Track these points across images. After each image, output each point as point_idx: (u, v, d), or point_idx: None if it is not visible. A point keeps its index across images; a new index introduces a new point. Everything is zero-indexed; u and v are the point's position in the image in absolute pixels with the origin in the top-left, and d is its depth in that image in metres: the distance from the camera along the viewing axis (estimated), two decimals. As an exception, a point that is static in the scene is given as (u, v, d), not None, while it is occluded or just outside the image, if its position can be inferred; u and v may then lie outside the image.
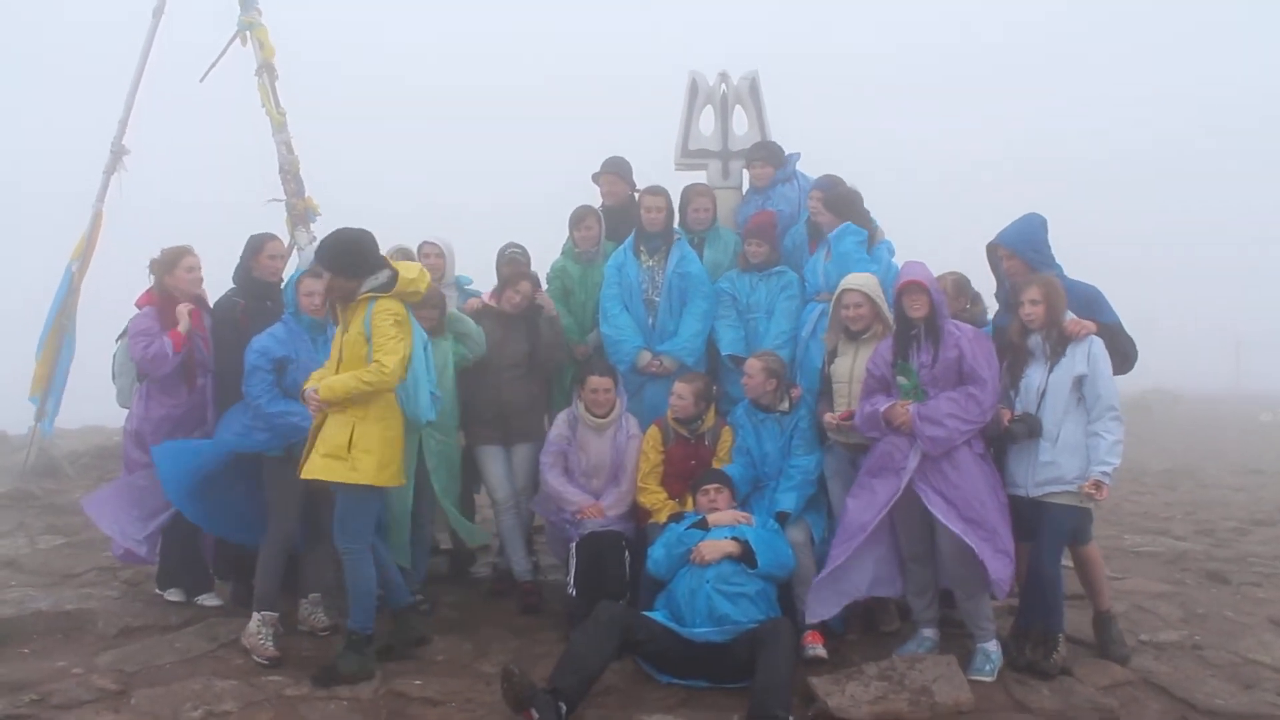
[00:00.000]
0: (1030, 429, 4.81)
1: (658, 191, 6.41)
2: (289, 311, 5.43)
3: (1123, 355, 5.04)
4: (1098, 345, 4.80)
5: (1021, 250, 5.20)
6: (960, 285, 5.62)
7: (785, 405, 5.64)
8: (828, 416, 5.33)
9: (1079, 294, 5.09)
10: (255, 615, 5.13)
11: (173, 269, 5.67)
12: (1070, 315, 4.89)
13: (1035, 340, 4.90)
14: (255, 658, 5.01)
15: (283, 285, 6.03)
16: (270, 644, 5.05)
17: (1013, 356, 4.99)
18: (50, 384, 9.88)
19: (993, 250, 5.38)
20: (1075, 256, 5.38)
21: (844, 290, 5.29)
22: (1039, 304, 4.85)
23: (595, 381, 5.86)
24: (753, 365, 5.62)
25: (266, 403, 5.18)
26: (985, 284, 5.70)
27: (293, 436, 5.19)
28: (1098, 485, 4.65)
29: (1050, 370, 4.83)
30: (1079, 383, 4.78)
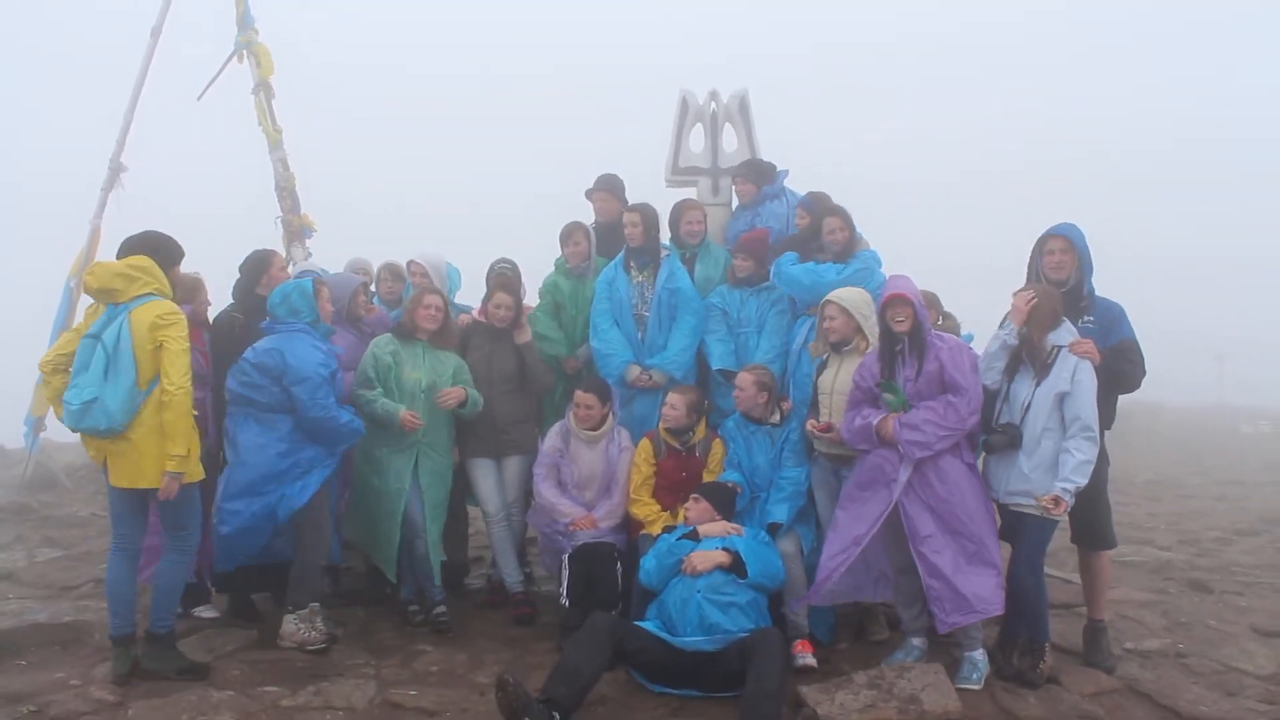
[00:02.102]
0: (1011, 440, 4.88)
1: (634, 208, 6.52)
2: (306, 321, 5.35)
3: (1126, 376, 5.00)
4: (1085, 368, 4.81)
5: (1080, 247, 5.09)
6: (930, 299, 5.74)
7: (776, 418, 5.72)
8: (809, 423, 5.43)
9: (1106, 310, 5.10)
10: (290, 616, 5.32)
11: (193, 298, 5.63)
12: (1073, 334, 4.89)
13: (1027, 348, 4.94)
14: (309, 649, 5.26)
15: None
16: (317, 633, 5.32)
17: (1009, 362, 5.01)
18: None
19: (1046, 241, 5.15)
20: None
21: (825, 302, 5.41)
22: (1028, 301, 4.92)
23: (580, 397, 5.94)
24: (744, 379, 5.70)
25: (339, 412, 5.29)
26: (958, 301, 5.78)
27: (354, 440, 5.44)
28: (1056, 500, 4.69)
29: (1037, 384, 4.88)
30: (1061, 400, 4.81)
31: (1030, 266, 5.27)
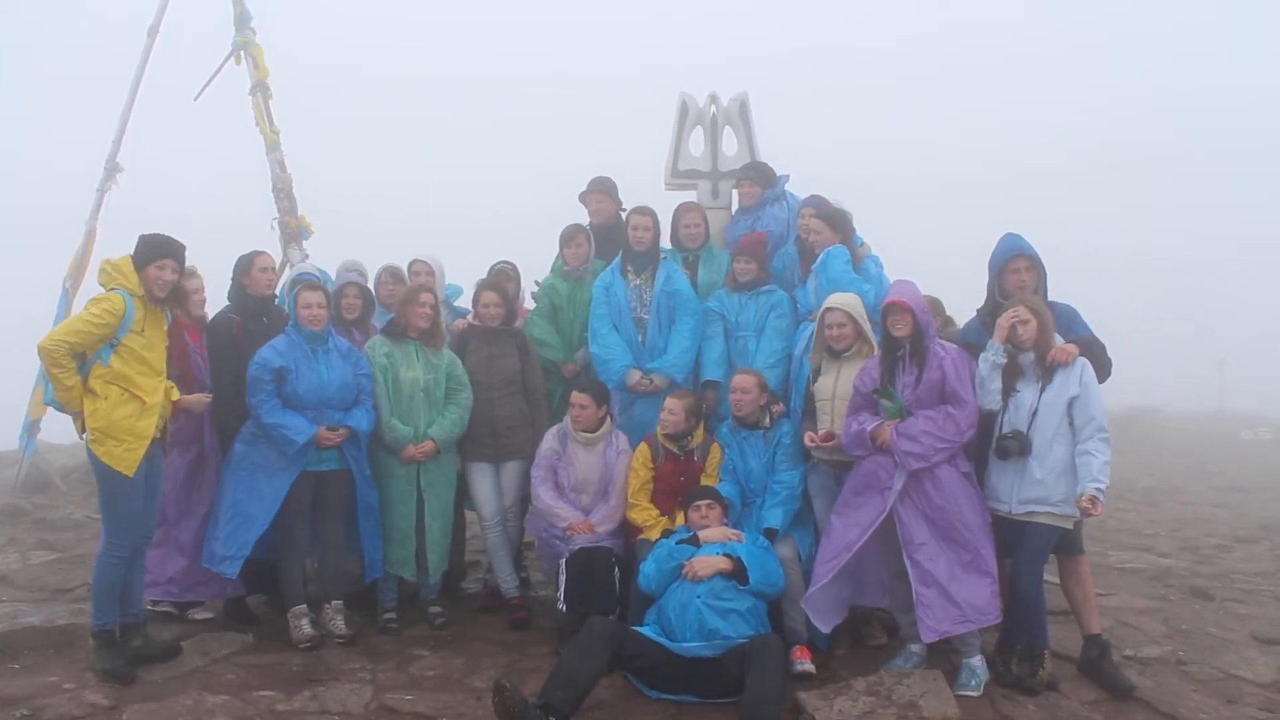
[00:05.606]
0: (1022, 446, 4.87)
1: (644, 211, 6.50)
2: (290, 324, 5.56)
3: (1100, 365, 5.07)
4: (1090, 369, 4.87)
5: (1040, 260, 5.18)
6: (935, 305, 5.72)
7: (767, 421, 5.70)
8: (808, 436, 5.40)
9: (1062, 314, 5.15)
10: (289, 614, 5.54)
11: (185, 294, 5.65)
12: (1058, 340, 4.95)
13: (1028, 358, 4.96)
14: (301, 646, 5.40)
15: (278, 300, 6.10)
16: (300, 633, 5.45)
17: (1005, 373, 5.00)
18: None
19: (1009, 261, 5.20)
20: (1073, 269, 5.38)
21: (826, 309, 5.37)
22: (1029, 322, 4.89)
23: (576, 397, 5.94)
24: (747, 382, 5.65)
25: (264, 413, 5.34)
26: (958, 303, 5.78)
27: (287, 448, 5.36)
28: (1094, 500, 4.67)
29: (1042, 390, 4.89)
30: (1070, 404, 4.83)
31: (991, 285, 5.30)
